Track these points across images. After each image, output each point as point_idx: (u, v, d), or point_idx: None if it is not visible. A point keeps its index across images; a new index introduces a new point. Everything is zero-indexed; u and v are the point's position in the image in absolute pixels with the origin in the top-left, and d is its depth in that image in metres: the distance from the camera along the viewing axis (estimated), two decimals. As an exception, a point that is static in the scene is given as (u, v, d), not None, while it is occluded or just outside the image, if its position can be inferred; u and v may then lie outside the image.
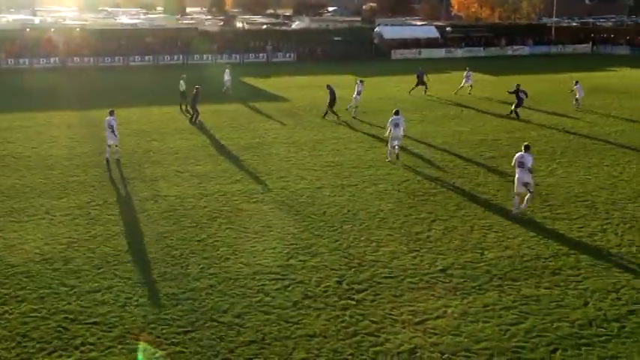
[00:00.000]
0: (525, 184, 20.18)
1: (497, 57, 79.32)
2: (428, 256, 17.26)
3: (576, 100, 40.08)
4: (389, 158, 27.09)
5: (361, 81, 38.83)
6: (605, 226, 19.46)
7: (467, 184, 23.85)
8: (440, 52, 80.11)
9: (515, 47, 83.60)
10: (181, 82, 39.27)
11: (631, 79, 56.07)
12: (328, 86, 37.18)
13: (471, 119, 36.75)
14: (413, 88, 46.21)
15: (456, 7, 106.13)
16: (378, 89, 49.13)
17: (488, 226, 19.51)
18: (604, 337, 13.17)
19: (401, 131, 26.69)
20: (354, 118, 36.94)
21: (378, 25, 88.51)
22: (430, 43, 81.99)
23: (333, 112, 36.63)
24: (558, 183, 23.94)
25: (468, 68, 48.07)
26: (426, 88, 46.05)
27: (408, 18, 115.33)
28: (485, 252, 17.52)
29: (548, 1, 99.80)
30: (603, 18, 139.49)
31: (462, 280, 15.81)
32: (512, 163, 20.75)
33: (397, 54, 78.27)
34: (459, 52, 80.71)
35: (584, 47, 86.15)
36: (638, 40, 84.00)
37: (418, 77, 46.48)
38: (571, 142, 30.76)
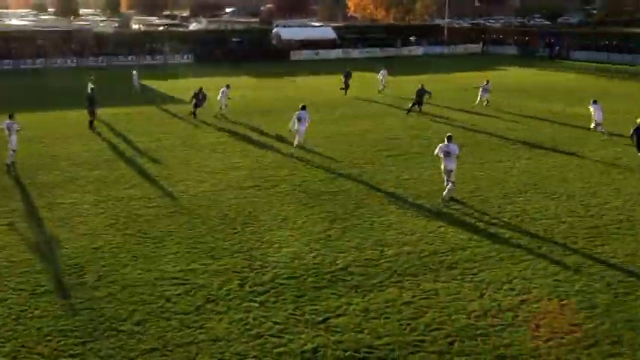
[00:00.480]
0: (449, 172, 21.54)
1: (394, 57, 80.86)
2: (329, 255, 17.43)
3: (487, 100, 40.98)
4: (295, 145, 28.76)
5: (227, 86, 38.67)
6: (497, 220, 20.17)
7: (366, 183, 24.23)
8: (337, 53, 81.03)
9: (410, 48, 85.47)
10: (89, 84, 38.35)
11: (519, 78, 58.36)
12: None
13: (371, 118, 37.33)
14: (344, 88, 46.52)
15: (352, 9, 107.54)
16: (278, 90, 49.26)
17: (387, 223, 19.88)
18: (499, 327, 13.65)
19: (304, 126, 28.01)
20: (222, 116, 37.37)
21: (276, 26, 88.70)
22: (327, 44, 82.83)
23: None
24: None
25: (383, 68, 48.79)
26: (347, 88, 46.53)
27: (305, 19, 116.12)
28: (385, 249, 17.85)
29: (440, 3, 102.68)
30: (492, 19, 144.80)
31: (363, 277, 16.05)
32: (435, 153, 22.18)
33: (296, 55, 78.66)
34: (356, 53, 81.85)
35: (475, 47, 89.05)
36: (524, 40, 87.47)
37: (345, 77, 46.85)
38: (466, 139, 31.69)
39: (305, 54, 79.31)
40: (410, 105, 38.37)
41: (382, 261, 17.04)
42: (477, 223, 19.87)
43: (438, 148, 22.07)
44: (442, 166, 22.06)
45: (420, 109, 38.38)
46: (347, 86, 46.44)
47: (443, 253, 17.57)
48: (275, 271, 16.41)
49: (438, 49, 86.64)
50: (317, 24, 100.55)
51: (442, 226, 19.57)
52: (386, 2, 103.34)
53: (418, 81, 43.93)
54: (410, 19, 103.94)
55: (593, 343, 13.01)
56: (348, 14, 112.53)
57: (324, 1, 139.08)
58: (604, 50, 76.48)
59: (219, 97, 38.04)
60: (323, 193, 23.01)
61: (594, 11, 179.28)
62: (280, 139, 31.64)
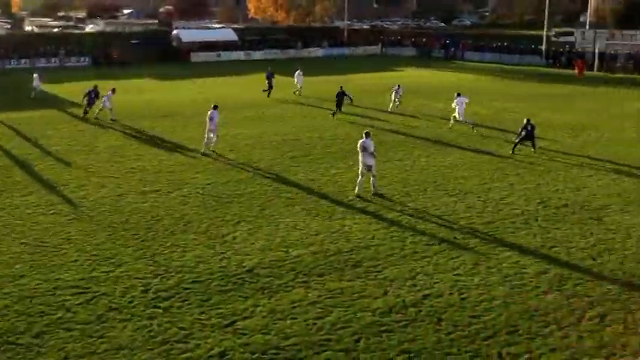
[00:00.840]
0: (369, 167, 22.70)
1: (295, 59, 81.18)
2: (235, 257, 17.37)
3: (399, 102, 41.16)
4: (203, 149, 28.89)
5: (113, 90, 37.93)
6: (400, 218, 20.61)
7: (271, 185, 24.26)
8: (239, 55, 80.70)
9: (310, 49, 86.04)
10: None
11: (417, 78, 59.66)
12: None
13: (277, 120, 37.36)
14: (267, 90, 46.08)
15: (252, 11, 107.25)
16: (179, 93, 48.64)
17: (292, 224, 19.98)
18: (403, 322, 13.96)
19: (215, 125, 28.83)
20: (113, 120, 36.68)
21: (176, 28, 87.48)
22: (229, 45, 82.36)
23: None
24: (356, 179, 24.96)
25: (299, 69, 48.68)
26: (270, 90, 46.10)
27: (206, 21, 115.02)
28: (291, 250, 17.93)
29: (339, 5, 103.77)
30: (390, 21, 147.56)
31: (269, 278, 16.07)
32: (358, 148, 23.04)
33: (197, 57, 77.81)
34: (258, 55, 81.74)
35: (375, 49, 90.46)
36: (421, 41, 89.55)
37: (268, 79, 46.45)
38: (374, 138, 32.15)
39: (206, 56, 78.54)
40: (335, 109, 38.20)
41: (288, 262, 17.11)
42: (380, 222, 20.23)
43: (358, 144, 23.10)
44: (360, 161, 22.99)
45: (339, 110, 38.31)
46: (270, 88, 46.19)
47: (347, 252, 17.81)
48: (179, 275, 16.21)
49: (338, 51, 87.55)
50: (218, 26, 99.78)
51: (346, 226, 19.83)
52: (286, 4, 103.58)
53: (325, 82, 44.31)
54: (310, 20, 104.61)
55: (492, 334, 13.49)
56: (249, 16, 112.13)
57: (224, 3, 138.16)
58: (497, 51, 79.25)
59: (102, 101, 37.08)
60: (227, 195, 22.90)
61: (487, 13, 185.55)
62: (182, 142, 31.27)
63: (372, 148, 22.85)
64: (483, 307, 14.67)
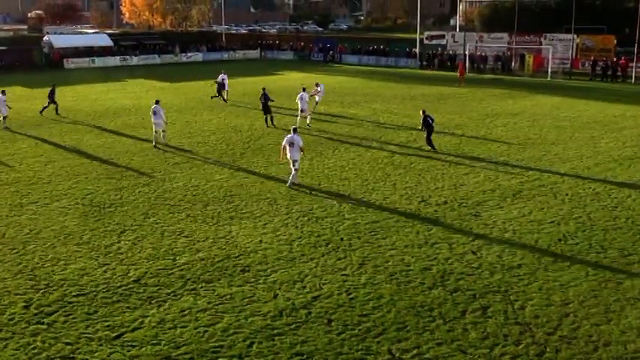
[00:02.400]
0: (294, 162, 24.06)
1: (173, 64, 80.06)
2: (120, 268, 16.93)
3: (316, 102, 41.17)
4: (153, 143, 31.00)
5: (3, 92, 36.45)
6: (286, 221, 20.71)
7: (152, 192, 23.79)
8: (115, 61, 78.66)
9: (189, 54, 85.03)
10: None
11: (296, 81, 60.06)
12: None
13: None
14: (216, 96, 45.12)
15: (127, 15, 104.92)
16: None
17: (178, 231, 19.69)
18: (294, 325, 14.05)
19: (161, 119, 30.68)
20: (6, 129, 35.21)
21: (47, 33, 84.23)
22: (104, 51, 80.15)
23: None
24: (240, 183, 24.93)
25: (223, 71, 47.87)
26: (226, 94, 45.33)
27: (78, 26, 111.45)
28: (178, 257, 17.67)
29: (216, 9, 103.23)
30: (268, 25, 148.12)
31: (157, 288, 15.78)
32: (283, 144, 24.19)
33: (70, 63, 75.21)
34: (135, 60, 79.98)
35: (254, 53, 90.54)
36: (299, 45, 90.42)
37: (218, 84, 45.53)
38: (249, 142, 32.17)
39: (80, 62, 76.09)
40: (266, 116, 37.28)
41: (175, 269, 16.86)
42: (267, 225, 20.26)
43: (284, 139, 24.31)
44: (288, 156, 24.09)
45: (270, 116, 37.08)
46: (224, 89, 45.46)
47: (235, 257, 17.74)
48: (63, 289, 15.64)
49: (217, 55, 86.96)
50: (91, 31, 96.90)
51: (233, 231, 19.74)
52: (161, 9, 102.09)
53: (206, 86, 43.79)
54: (187, 25, 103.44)
55: (381, 331, 13.80)
56: (124, 21, 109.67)
57: (97, 7, 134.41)
58: (373, 54, 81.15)
59: None
60: (109, 204, 22.29)
61: (362, 18, 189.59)
62: (56, 151, 30.19)
63: (300, 143, 24.04)
64: (371, 305, 14.97)
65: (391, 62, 77.92)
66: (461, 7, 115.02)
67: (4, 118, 35.98)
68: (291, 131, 24.63)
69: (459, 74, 60.03)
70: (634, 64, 61.63)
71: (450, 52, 75.32)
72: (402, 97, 49.21)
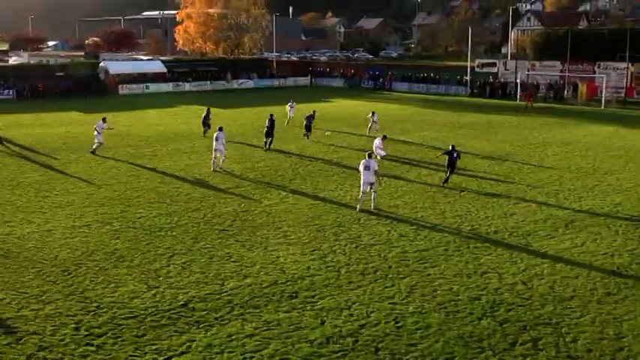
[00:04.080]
0: (370, 184, 24.52)
1: (225, 90, 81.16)
2: (168, 291, 17.09)
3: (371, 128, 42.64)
4: (212, 168, 31.79)
5: None
6: (334, 247, 20.67)
7: (202, 217, 24.03)
8: (167, 87, 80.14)
9: (240, 81, 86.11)
10: None
11: (346, 109, 60.38)
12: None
13: (205, 151, 37.04)
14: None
15: (180, 42, 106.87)
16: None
17: (226, 256, 19.81)
18: (340, 353, 13.96)
19: (222, 145, 31.45)
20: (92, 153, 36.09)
21: (103, 59, 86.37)
22: (157, 77, 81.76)
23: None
24: (289, 209, 25.02)
25: (292, 100, 49.66)
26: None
27: (133, 53, 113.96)
28: (226, 282, 17.76)
29: (268, 37, 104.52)
30: (319, 52, 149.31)
31: (205, 312, 15.86)
32: (360, 168, 24.73)
33: (124, 89, 76.88)
34: (187, 87, 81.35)
35: (304, 80, 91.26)
36: (349, 72, 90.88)
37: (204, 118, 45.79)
38: (299, 168, 32.31)
39: (134, 88, 77.72)
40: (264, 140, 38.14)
41: (223, 294, 16.94)
42: (315, 252, 20.25)
43: (360, 164, 24.91)
44: (362, 179, 24.69)
45: (270, 140, 38.06)
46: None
47: (283, 283, 17.75)
48: (112, 311, 15.84)
49: (268, 82, 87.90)
50: (145, 57, 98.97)
51: (281, 257, 19.78)
52: (214, 36, 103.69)
53: (258, 112, 44.26)
54: (239, 52, 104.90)
55: (429, 361, 13.62)
56: (177, 48, 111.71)
57: (152, 34, 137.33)
58: (423, 82, 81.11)
59: None
60: (159, 228, 22.57)
61: (412, 45, 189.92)
62: (110, 175, 30.77)
63: (374, 167, 24.53)
64: (419, 334, 14.80)
65: (441, 90, 77.73)
66: (513, 35, 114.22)
67: (100, 144, 36.38)
68: (367, 156, 25.22)
69: (527, 101, 60.61)
70: (691, 93, 60.27)
71: (502, 80, 74.76)
72: (451, 125, 48.96)
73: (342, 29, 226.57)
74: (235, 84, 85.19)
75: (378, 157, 32.79)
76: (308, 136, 40.95)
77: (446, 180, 29.02)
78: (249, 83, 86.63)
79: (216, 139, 31.55)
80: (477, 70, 79.03)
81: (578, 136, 43.23)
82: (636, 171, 32.15)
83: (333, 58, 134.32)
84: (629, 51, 66.11)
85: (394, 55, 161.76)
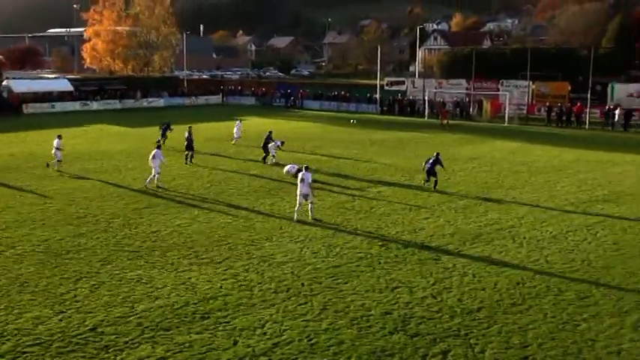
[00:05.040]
0: (305, 196, 25.65)
1: (134, 109, 79.82)
2: (76, 316, 16.61)
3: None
4: (150, 185, 31.76)
5: None
6: (247, 266, 20.58)
7: (111, 238, 23.51)
8: (74, 105, 78.18)
9: (150, 99, 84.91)
10: None
11: (259, 126, 60.29)
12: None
13: (114, 171, 36.32)
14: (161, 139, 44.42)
15: (88, 60, 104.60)
16: (13, 146, 46.30)
17: (137, 278, 19.43)
18: (254, 372, 13.88)
19: (158, 163, 31.70)
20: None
21: (7, 78, 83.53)
22: (64, 96, 79.68)
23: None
24: (201, 228, 24.78)
25: (239, 120, 50.20)
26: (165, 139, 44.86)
27: (39, 71, 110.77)
28: (136, 305, 17.40)
29: (178, 55, 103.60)
30: (230, 71, 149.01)
31: (114, 336, 15.49)
32: (298, 179, 26.06)
33: (29, 108, 74.51)
34: (95, 105, 79.61)
35: (216, 98, 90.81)
36: (261, 90, 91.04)
37: (163, 130, 45.87)
38: (211, 186, 32.06)
39: (39, 107, 75.42)
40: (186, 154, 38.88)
41: (133, 317, 16.59)
42: (227, 271, 20.11)
43: (299, 175, 26.05)
44: (298, 190, 25.77)
45: (191, 154, 39.05)
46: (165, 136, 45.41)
47: (195, 303, 17.54)
48: (16, 339, 15.26)
49: (178, 101, 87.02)
50: (52, 76, 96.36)
51: (192, 277, 19.54)
52: (123, 54, 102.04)
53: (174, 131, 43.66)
54: (149, 70, 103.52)
55: (342, 377, 13.70)
56: (85, 66, 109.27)
57: (58, 52, 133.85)
58: (334, 100, 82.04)
59: None
60: (66, 251, 21.93)
61: (323, 64, 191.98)
62: (17, 196, 29.74)
63: (309, 179, 25.64)
64: (332, 351, 14.88)
65: (352, 108, 78.78)
66: (420, 54, 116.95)
67: (59, 161, 36.18)
68: (304, 168, 26.20)
69: (441, 119, 62.17)
70: (587, 110, 63.16)
71: (411, 98, 76.42)
72: (362, 143, 49.63)
73: (254, 47, 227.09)
74: (145, 102, 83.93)
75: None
76: (265, 158, 39.41)
77: (435, 184, 31.99)
78: (160, 102, 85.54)
79: (153, 157, 31.76)
80: (386, 88, 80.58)
81: (483, 152, 44.59)
82: (538, 185, 33.40)
83: (245, 77, 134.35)
84: (530, 69, 68.80)
85: (305, 73, 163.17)
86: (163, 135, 45.32)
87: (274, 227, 25.10)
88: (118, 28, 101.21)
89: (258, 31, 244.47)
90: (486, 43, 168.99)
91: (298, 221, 25.51)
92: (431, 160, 32.12)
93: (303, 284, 19.07)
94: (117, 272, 19.94)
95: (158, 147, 32.79)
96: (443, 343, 15.31)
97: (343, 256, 21.64)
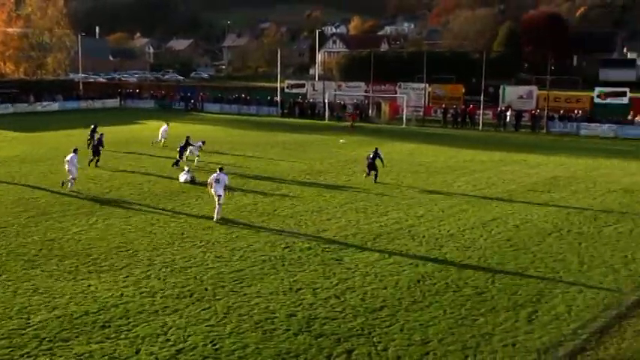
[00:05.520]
0: (219, 197, 26.11)
1: (27, 113, 76.92)
2: (-33, 330, 15.90)
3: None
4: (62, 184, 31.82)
5: None
6: (148, 273, 20.22)
7: (5, 247, 22.60)
8: (-39, 110, 74.69)
9: (44, 103, 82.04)
10: None
11: (156, 130, 59.36)
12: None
13: (5, 178, 34.89)
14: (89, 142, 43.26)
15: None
16: None
17: (32, 288, 18.76)
18: (158, 380, 13.66)
19: (74, 167, 31.81)
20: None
21: None
22: (-51, 100, 76.04)
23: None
24: (100, 235, 24.17)
25: (167, 123, 48.85)
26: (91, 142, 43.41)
27: None
28: (32, 316, 16.81)
29: (73, 57, 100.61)
30: (127, 74, 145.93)
31: (9, 349, 14.91)
32: (209, 180, 26.49)
33: None
34: (-15, 109, 76.27)
35: (113, 101, 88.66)
36: (160, 94, 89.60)
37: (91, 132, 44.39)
38: (110, 192, 31.31)
39: None
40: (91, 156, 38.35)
41: (29, 329, 16.01)
42: (128, 278, 19.70)
43: (211, 177, 26.59)
44: (212, 191, 26.29)
45: (97, 159, 38.45)
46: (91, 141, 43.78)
47: (95, 312, 17.09)
48: None
49: (74, 104, 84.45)
50: None
51: (92, 285, 19.04)
52: (14, 56, 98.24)
53: (65, 136, 42.28)
54: (43, 73, 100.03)
55: (248, 380, 13.68)
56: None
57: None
58: (234, 102, 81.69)
59: None
60: (-45, 263, 20.95)
61: (223, 67, 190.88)
62: None
63: (226, 181, 26.66)
64: (237, 355, 14.84)
65: (253, 110, 78.65)
66: (320, 57, 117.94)
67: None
68: (218, 170, 26.88)
69: (351, 120, 63.23)
70: (481, 112, 65.38)
71: (311, 101, 76.97)
72: (264, 145, 49.63)
73: (152, 50, 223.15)
74: (39, 106, 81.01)
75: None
76: (177, 163, 38.24)
77: (375, 177, 34.47)
78: (54, 105, 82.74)
79: (69, 161, 31.78)
80: (286, 90, 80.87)
81: (383, 153, 45.35)
82: (436, 184, 34.32)
83: (144, 79, 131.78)
84: (426, 72, 70.62)
85: (205, 76, 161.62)
86: (91, 137, 43.66)
87: (176, 232, 24.77)
88: (9, 29, 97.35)
89: (157, 34, 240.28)
90: (384, 47, 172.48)
91: (221, 220, 26.21)
92: (371, 155, 34.60)
93: (206, 289, 18.92)
94: (11, 283, 19.19)
95: (74, 151, 32.35)
96: (347, 342, 15.52)
97: (247, 260, 21.60)
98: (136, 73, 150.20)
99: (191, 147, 39.52)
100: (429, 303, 18.03)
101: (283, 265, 21.16)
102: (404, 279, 19.90)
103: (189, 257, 21.80)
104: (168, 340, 15.57)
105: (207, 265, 21.04)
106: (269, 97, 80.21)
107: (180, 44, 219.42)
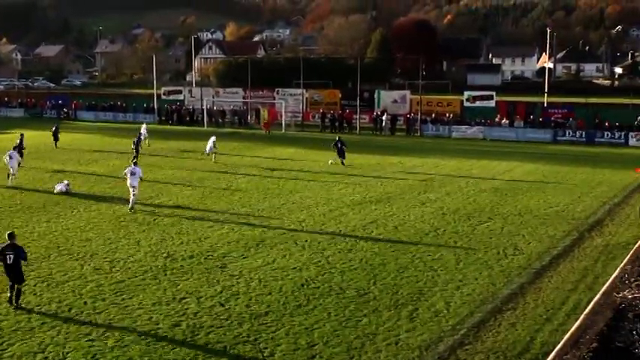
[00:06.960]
0: (133, 187, 28.57)
1: None
2: None
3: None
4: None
5: None
6: (23, 288, 19.31)
7: None
8: None
9: None
10: None
11: (29, 139, 57.00)
12: None
13: None
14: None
15: None
16: None
17: None
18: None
19: (16, 163, 35.13)
20: None
21: None
22: None
23: None
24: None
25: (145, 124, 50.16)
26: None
27: None
28: None
29: None
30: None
31: None
32: (124, 173, 29.45)
33: None
34: None
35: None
36: (30, 102, 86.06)
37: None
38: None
39: None
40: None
41: None
42: (1, 295, 18.79)
43: (126, 169, 29.45)
44: (128, 183, 28.86)
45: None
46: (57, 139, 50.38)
47: (-35, 333, 16.22)
48: None
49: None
50: None
51: (-39, 305, 18.05)
52: None
53: None
54: None
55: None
56: None
57: None
58: (109, 110, 79.60)
59: None
60: None
61: (96, 73, 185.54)
62: None
63: (140, 173, 29.24)
64: (120, 368, 14.48)
65: (129, 118, 76.88)
66: (196, 63, 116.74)
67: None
68: (132, 163, 29.70)
69: (265, 128, 63.49)
70: (357, 116, 66.76)
71: (189, 107, 76.04)
72: (140, 153, 48.54)
73: (19, 56, 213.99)
74: None
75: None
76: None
77: (342, 162, 42.13)
78: None
79: (10, 157, 35.26)
80: (163, 97, 79.58)
81: (262, 159, 45.50)
82: (316, 189, 34.74)
83: (11, 87, 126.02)
84: (303, 78, 71.38)
85: (78, 83, 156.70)
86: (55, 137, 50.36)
87: (51, 245, 23.87)
88: None
89: (25, 39, 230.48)
90: (261, 53, 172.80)
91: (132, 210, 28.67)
92: (339, 144, 42.20)
93: (85, 303, 18.33)
94: None
95: (14, 148, 36.54)
96: (233, 350, 15.47)
97: (127, 271, 21.10)
98: (3, 81, 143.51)
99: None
100: (313, 306, 18.23)
101: (165, 274, 20.81)
102: (288, 284, 20.03)
103: (66, 270, 21.06)
104: (46, 358, 14.99)
105: (86, 278, 20.40)
106: (145, 105, 78.66)
107: (50, 50, 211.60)
